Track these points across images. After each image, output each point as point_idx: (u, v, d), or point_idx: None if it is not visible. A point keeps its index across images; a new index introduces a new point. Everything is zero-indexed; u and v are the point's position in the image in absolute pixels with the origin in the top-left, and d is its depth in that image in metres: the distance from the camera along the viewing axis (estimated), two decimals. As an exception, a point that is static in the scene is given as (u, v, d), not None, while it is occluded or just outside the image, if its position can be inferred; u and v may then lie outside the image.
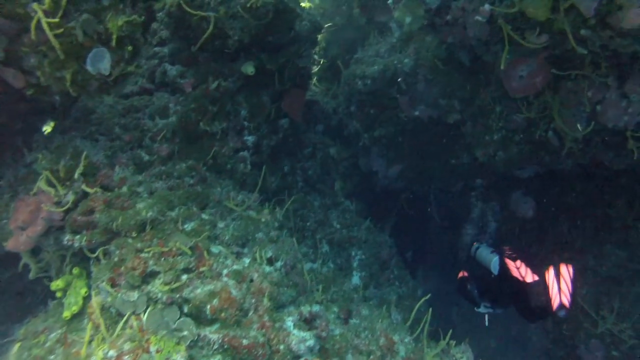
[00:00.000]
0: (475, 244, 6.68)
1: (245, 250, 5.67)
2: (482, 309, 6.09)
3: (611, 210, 7.57)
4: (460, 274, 6.42)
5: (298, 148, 7.64)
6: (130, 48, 5.19)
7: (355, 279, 7.24)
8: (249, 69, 6.32)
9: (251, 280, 5.15)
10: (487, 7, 5.09)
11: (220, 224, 5.71)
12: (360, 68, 7.24)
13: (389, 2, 5.55)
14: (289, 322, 5.04)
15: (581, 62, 5.49)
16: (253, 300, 5.01)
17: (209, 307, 4.70)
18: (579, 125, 5.74)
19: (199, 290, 4.82)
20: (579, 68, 5.48)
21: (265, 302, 5.03)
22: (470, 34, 5.36)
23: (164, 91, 6.36)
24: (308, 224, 7.25)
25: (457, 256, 7.15)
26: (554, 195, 7.95)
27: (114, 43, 4.93)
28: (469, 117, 6.77)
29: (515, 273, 5.59)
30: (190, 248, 5.14)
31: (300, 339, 4.84)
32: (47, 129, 5.61)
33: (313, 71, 8.69)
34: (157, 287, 4.80)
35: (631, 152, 6.26)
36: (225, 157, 6.40)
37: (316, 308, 5.41)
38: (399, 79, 6.84)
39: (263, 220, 5.98)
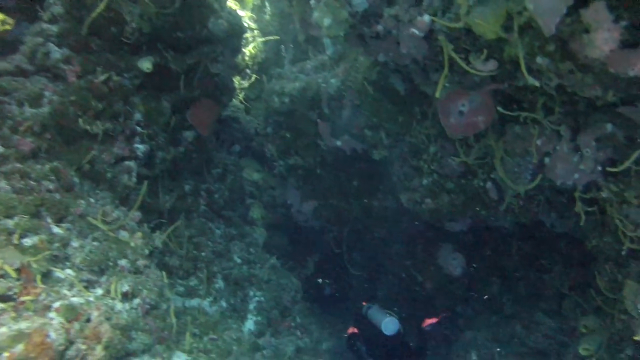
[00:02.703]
0: (366, 304, 5.85)
1: (103, 279, 4.31)
2: None
3: (546, 276, 6.60)
4: (350, 330, 5.86)
5: (205, 167, 6.17)
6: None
7: (250, 324, 5.79)
8: (145, 64, 4.94)
9: (87, 320, 3.70)
10: (425, 18, 3.83)
11: (75, 243, 4.32)
12: (280, 83, 5.82)
13: (311, 1, 4.25)
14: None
15: (532, 104, 4.27)
16: (82, 348, 3.58)
17: (6, 355, 3.20)
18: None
19: (3, 329, 3.34)
20: (529, 111, 4.24)
21: (99, 351, 3.61)
22: (404, 50, 4.06)
23: (43, 76, 4.88)
24: (203, 254, 5.79)
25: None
26: (487, 253, 6.71)
27: None
28: (397, 156, 5.45)
29: None
30: (18, 269, 3.67)
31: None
32: None
33: (243, 87, 7.29)
34: (-57, 318, 3.33)
35: (576, 216, 5.23)
36: (105, 164, 4.96)
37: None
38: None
39: (132, 244, 4.55)
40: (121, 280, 4.25)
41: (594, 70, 3.34)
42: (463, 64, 3.84)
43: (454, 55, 3.83)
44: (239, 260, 6.06)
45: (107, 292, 4.17)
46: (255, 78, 7.21)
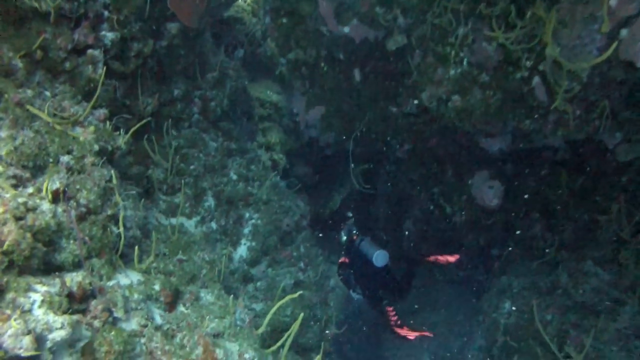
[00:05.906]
0: (359, 236, 5.44)
1: (41, 178, 3.19)
2: (354, 294, 5.59)
3: (602, 217, 5.17)
4: (342, 260, 5.49)
5: (199, 69, 4.87)
6: None
7: (242, 250, 4.55)
8: None
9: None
10: None
11: (3, 133, 3.18)
12: (276, -45, 4.40)
13: None
14: (35, 297, 2.61)
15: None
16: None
17: None
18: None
19: None
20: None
21: (-8, 260, 2.53)
22: None
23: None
24: (192, 167, 4.55)
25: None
26: (530, 183, 5.23)
27: None
28: (418, 42, 3.97)
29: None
30: None
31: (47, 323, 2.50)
32: None
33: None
34: None
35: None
36: (60, 51, 3.74)
37: (119, 281, 3.00)
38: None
39: (81, 139, 3.40)
40: (53, 177, 3.12)
41: None
42: None
43: None
44: (234, 177, 4.80)
45: (38, 190, 3.07)
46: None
